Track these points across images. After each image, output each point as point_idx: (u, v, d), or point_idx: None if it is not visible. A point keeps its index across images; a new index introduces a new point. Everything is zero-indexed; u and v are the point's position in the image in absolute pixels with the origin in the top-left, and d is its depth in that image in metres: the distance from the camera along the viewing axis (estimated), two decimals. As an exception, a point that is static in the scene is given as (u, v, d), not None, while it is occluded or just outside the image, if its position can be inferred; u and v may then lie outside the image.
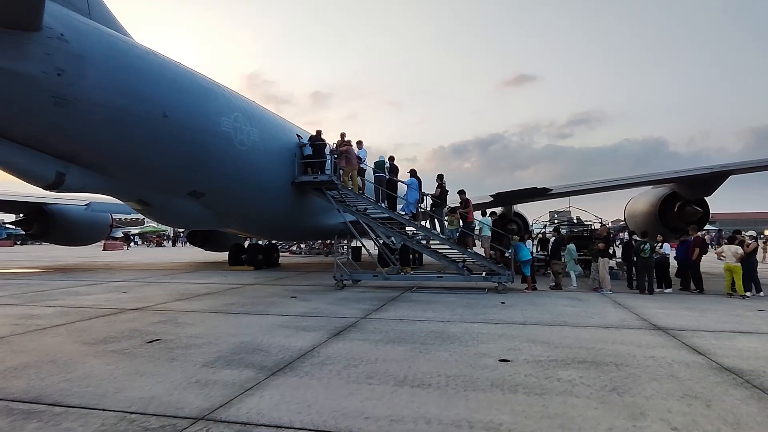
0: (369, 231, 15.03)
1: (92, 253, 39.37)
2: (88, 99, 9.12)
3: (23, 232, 28.85)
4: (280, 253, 37.65)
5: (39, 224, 23.32)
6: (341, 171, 15.22)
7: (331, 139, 16.62)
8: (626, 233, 23.09)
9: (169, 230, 61.56)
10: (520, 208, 24.38)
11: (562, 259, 14.52)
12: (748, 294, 12.16)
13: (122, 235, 64.50)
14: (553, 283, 14.14)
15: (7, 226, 59.56)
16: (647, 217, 18.66)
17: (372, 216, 15.05)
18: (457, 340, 7.53)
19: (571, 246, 14.66)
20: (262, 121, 14.07)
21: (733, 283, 12.35)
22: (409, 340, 7.49)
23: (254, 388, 5.23)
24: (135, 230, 67.32)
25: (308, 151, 15.43)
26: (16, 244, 57.83)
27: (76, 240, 25.76)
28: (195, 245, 27.66)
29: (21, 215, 24.79)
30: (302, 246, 38.74)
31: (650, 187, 19.52)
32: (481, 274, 13.94)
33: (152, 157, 10.51)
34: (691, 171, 16.59)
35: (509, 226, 22.48)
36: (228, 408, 4.67)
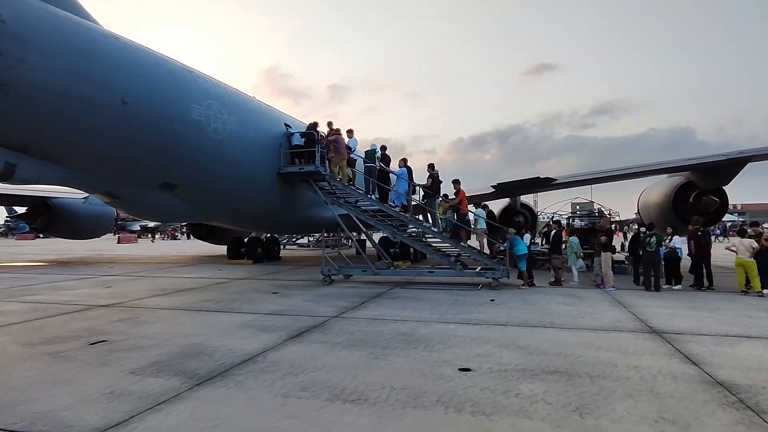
0: (359, 224, 14.38)
1: (105, 246, 39.73)
2: (34, 84, 8.63)
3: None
4: (288, 247, 37.50)
5: (43, 218, 23.35)
6: (329, 161, 14.57)
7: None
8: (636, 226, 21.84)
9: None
10: (528, 199, 23.40)
11: (564, 252, 13.64)
12: (765, 291, 11.12)
13: (139, 228, 65.37)
14: (553, 279, 13.28)
15: (8, 219, 60.50)
16: (661, 209, 17.52)
17: (362, 208, 14.40)
18: (423, 343, 6.85)
19: (573, 239, 13.75)
20: (242, 110, 13.45)
21: (749, 281, 11.34)
22: (371, 344, 6.84)
23: (168, 402, 4.66)
24: (151, 223, 68.02)
25: (296, 140, 14.81)
26: (38, 237, 58.98)
27: (81, 233, 25.77)
28: (198, 238, 27.47)
29: (26, 209, 24.90)
30: (310, 239, 38.30)
31: (665, 176, 18.37)
32: (476, 268, 13.19)
33: (113, 146, 10.00)
34: (706, 158, 15.41)
35: (515, 218, 21.59)
36: (124, 427, 4.11)
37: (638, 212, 20.68)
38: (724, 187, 16.00)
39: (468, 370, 5.58)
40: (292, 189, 15.52)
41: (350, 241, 28.36)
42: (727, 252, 12.65)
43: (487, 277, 12.74)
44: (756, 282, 11.08)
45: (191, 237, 61.64)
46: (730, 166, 14.75)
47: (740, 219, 53.26)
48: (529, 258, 13.49)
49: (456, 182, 13.97)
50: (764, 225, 12.29)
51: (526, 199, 23.67)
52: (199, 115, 11.41)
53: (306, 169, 14.42)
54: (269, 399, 4.73)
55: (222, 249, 29.71)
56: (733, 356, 6.09)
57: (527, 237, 13.39)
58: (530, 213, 22.61)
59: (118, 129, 9.73)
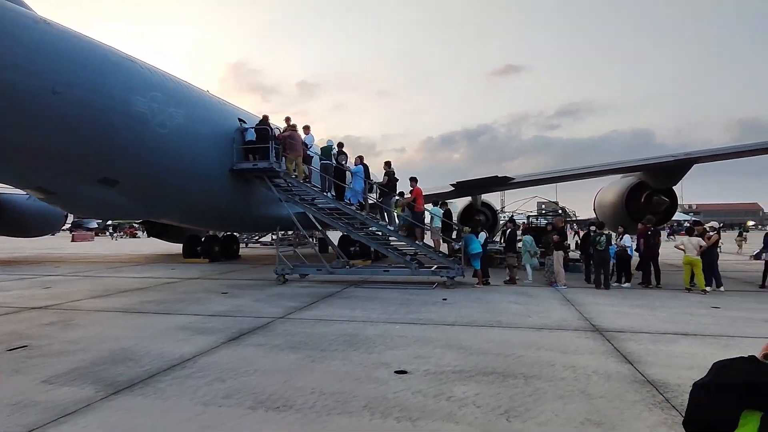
0: (315, 222, 14.10)
1: (57, 244, 38.01)
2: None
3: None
4: (250, 245, 36.74)
5: (-15, 215, 22.00)
6: (284, 158, 14.20)
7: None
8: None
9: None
10: (494, 198, 23.59)
11: (519, 251, 13.73)
12: (708, 289, 11.45)
13: (96, 225, 62.86)
14: (508, 278, 13.35)
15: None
16: (615, 208, 17.91)
17: (319, 206, 14.12)
18: (365, 344, 6.67)
19: (527, 238, 13.85)
20: (191, 103, 12.91)
21: (693, 277, 11.66)
22: (311, 346, 6.62)
23: (76, 413, 4.32)
24: (108, 221, 65.54)
25: (250, 136, 14.38)
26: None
27: (28, 231, 24.45)
28: (152, 236, 26.55)
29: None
30: (274, 237, 37.64)
31: (620, 176, 18.79)
32: (432, 267, 13.12)
33: (42, 138, 9.37)
34: (656, 159, 15.82)
35: (476, 217, 21.73)
36: (18, 443, 3.76)
37: (594, 211, 21.12)
38: (673, 187, 16.48)
39: (404, 372, 5.44)
40: (247, 186, 15.08)
41: (314, 239, 27.93)
42: (675, 250, 12.98)
43: (442, 276, 12.69)
44: (701, 279, 11.40)
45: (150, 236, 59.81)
46: (678, 167, 15.19)
47: (694, 218, 55.36)
48: (486, 257, 13.52)
49: (413, 180, 13.86)
50: (709, 224, 12.67)
51: (493, 198, 23.87)
52: (141, 107, 10.85)
53: (260, 165, 14.01)
54: (188, 407, 4.45)
55: (178, 248, 28.89)
56: (668, 354, 6.16)
57: (482, 236, 13.40)
58: (491, 212, 22.81)
59: (47, 120, 9.12)
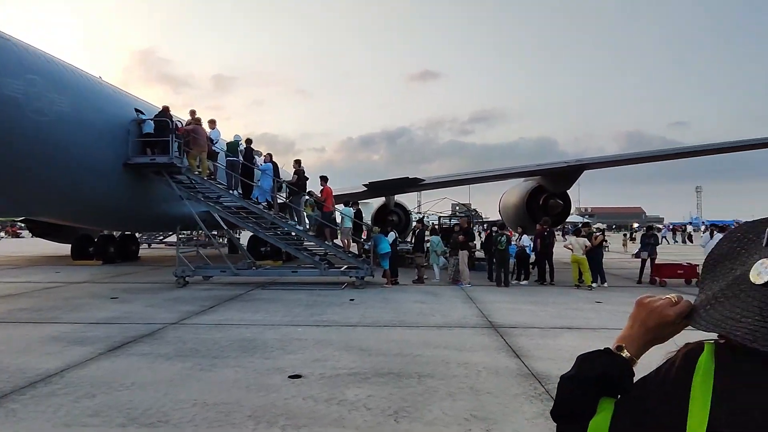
0: (220, 221, 13.42)
1: None
2: None
3: None
4: (154, 245, 34.32)
5: None
6: (187, 153, 13.35)
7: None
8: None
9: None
10: (411, 199, 23.95)
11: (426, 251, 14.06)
12: (594, 285, 12.44)
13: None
14: (416, 277, 13.60)
15: None
16: (517, 210, 18.96)
17: (224, 204, 13.46)
18: (262, 349, 6.40)
19: (434, 238, 14.23)
20: (77, 89, 11.67)
21: (581, 275, 12.61)
22: (202, 353, 6.22)
23: None
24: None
25: (149, 128, 13.34)
26: None
27: None
28: (37, 236, 23.89)
29: None
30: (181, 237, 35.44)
31: (522, 180, 19.93)
32: (342, 267, 13.02)
33: None
34: (552, 164, 17.01)
35: (389, 217, 21.96)
36: None
37: (500, 213, 22.22)
38: (568, 191, 17.77)
39: (299, 377, 5.26)
40: (144, 182, 13.97)
41: (224, 239, 26.64)
42: (565, 249, 13.95)
43: (351, 276, 12.63)
44: (587, 276, 12.36)
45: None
46: (571, 173, 16.41)
47: (588, 220, 60.37)
48: (396, 256, 13.67)
49: (323, 179, 13.67)
50: (595, 226, 13.90)
51: (409, 199, 24.24)
52: (14, 91, 9.59)
53: (159, 160, 13.03)
54: (44, 429, 3.94)
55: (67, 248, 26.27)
56: (554, 348, 6.54)
57: (392, 236, 13.54)
58: (404, 212, 23.17)
59: None
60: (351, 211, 14.33)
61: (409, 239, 20.57)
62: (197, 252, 15.06)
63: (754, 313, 0.77)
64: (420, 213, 29.87)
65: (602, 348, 0.99)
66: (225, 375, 5.35)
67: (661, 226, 51.68)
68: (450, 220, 31.46)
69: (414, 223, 19.18)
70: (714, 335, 0.84)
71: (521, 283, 13.27)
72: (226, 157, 13.97)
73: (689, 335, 0.91)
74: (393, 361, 5.86)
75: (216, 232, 22.17)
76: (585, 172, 17.26)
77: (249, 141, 14.86)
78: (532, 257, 13.96)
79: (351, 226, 13.90)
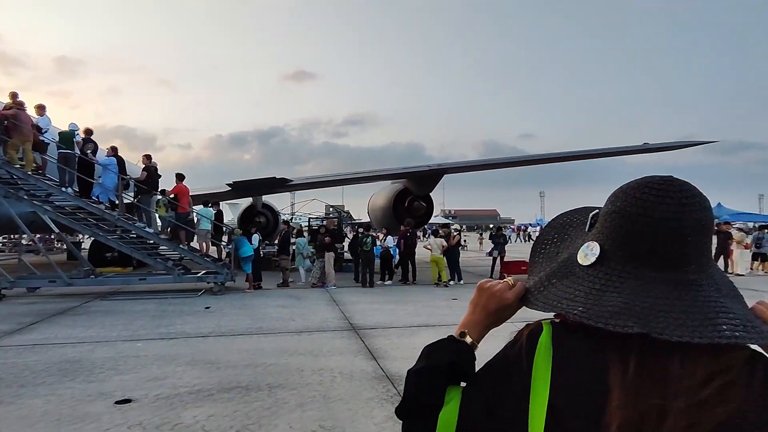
0: (50, 224, 11.54)
1: None
2: None
3: None
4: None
5: None
6: (5, 143, 11.24)
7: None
8: None
9: None
10: (282, 200, 23.13)
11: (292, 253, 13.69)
12: (451, 282, 13.20)
13: None
14: (281, 281, 13.15)
15: None
16: (384, 212, 19.42)
17: (56, 203, 11.64)
18: (87, 371, 5.54)
19: (300, 240, 13.94)
20: None
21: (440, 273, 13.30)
22: (7, 382, 5.19)
23: None
24: None
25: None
26: None
27: None
28: None
29: None
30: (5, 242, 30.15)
31: (390, 182, 20.51)
32: (198, 273, 12.06)
33: None
34: (416, 168, 17.76)
35: (256, 219, 21.07)
36: None
37: (368, 215, 22.63)
38: (431, 194, 18.69)
39: (128, 401, 4.61)
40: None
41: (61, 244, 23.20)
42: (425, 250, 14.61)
43: (209, 282, 11.76)
44: (444, 274, 13.06)
45: None
46: (433, 176, 17.29)
47: (451, 221, 64.69)
48: (260, 260, 13.08)
49: (179, 177, 12.54)
50: (454, 227, 14.89)
51: (283, 200, 23.42)
52: None
53: (-37, 150, 10.78)
54: None
55: None
56: (409, 346, 6.67)
57: (256, 238, 12.93)
58: (272, 214, 22.41)
59: None
60: (210, 211, 13.33)
61: (276, 241, 19.93)
62: (19, 260, 12.81)
63: (584, 292, 0.82)
64: (291, 214, 29.25)
65: (446, 336, 0.99)
66: (31, 407, 4.49)
67: (513, 227, 58.30)
68: (323, 222, 31.40)
69: (281, 225, 18.64)
70: (550, 315, 0.88)
71: (386, 283, 13.58)
72: (58, 150, 12.04)
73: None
74: (242, 374, 5.47)
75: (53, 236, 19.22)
76: (448, 176, 18.35)
77: (89, 132, 12.97)
78: (397, 258, 14.39)
79: (209, 228, 12.92)
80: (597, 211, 0.92)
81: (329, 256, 12.88)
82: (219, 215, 15.05)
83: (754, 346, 0.79)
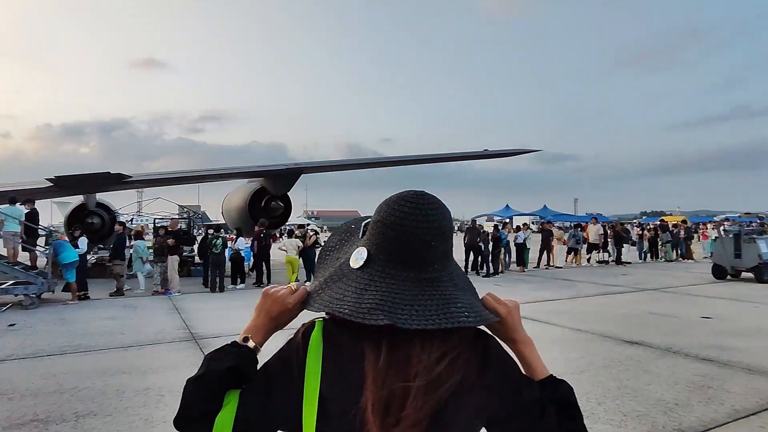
0: None
1: None
2: None
3: None
4: None
5: None
6: None
7: None
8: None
9: None
10: (128, 198, 20.49)
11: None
12: (307, 284, 12.99)
13: None
14: (115, 289, 11.67)
15: None
16: (240, 212, 18.44)
17: None
18: None
19: (139, 243, 12.54)
20: None
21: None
22: None
23: None
24: None
25: None
26: None
27: None
28: None
29: None
30: None
31: (246, 181, 19.55)
32: (4, 284, 10.13)
33: None
34: (273, 166, 17.17)
35: (88, 219, 18.50)
36: None
37: (222, 215, 21.36)
38: (288, 194, 18.25)
39: None
40: None
41: None
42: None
43: (18, 295, 9.94)
44: (293, 277, 12.80)
45: None
46: (290, 175, 16.89)
47: (313, 222, 64.46)
48: (86, 266, 11.46)
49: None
50: (311, 228, 14.74)
51: (127, 199, 20.75)
52: None
53: None
54: None
55: None
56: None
57: (83, 242, 11.28)
58: (108, 214, 19.88)
59: None
60: (21, 211, 11.26)
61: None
62: None
63: (353, 292, 0.91)
64: (136, 214, 26.35)
65: (229, 343, 1.00)
66: None
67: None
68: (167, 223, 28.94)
69: (116, 226, 16.64)
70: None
71: (237, 287, 12.89)
72: None
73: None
74: (44, 403, 4.63)
75: None
76: (312, 177, 18.13)
77: None
78: (252, 261, 13.76)
79: (18, 230, 10.91)
80: (369, 220, 1.03)
81: (172, 260, 11.78)
82: (33, 215, 12.81)
83: (482, 328, 0.97)
